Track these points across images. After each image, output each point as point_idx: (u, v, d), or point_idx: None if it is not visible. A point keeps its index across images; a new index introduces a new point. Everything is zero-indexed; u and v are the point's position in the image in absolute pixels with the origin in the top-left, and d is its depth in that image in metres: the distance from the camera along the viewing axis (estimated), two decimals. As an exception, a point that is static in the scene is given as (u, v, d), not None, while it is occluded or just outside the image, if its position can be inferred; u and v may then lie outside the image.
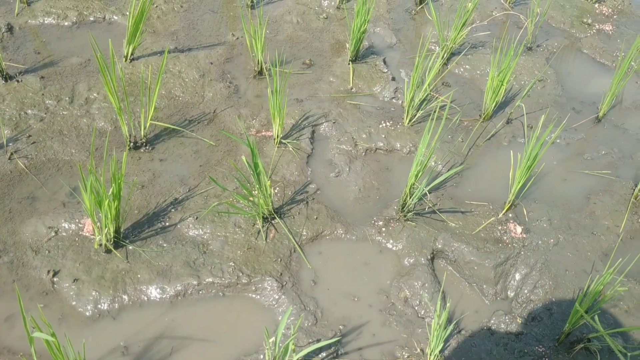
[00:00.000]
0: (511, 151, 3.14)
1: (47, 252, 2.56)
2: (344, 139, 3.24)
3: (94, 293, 2.43)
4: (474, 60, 3.94)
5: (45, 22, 3.82)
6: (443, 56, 3.83)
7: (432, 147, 2.72)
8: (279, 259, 2.64)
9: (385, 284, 2.64)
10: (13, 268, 2.51)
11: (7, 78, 3.33)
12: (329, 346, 2.36)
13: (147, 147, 3.07)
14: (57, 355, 1.79)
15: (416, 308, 2.56)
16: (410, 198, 2.76)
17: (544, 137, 2.71)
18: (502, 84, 3.27)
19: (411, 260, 2.71)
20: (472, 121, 3.49)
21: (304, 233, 2.77)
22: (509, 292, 2.70)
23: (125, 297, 2.44)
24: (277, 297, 2.51)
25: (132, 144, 3.04)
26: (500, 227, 2.89)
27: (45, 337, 1.67)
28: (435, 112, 3.01)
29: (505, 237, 2.85)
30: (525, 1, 4.68)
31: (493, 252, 2.76)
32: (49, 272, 2.50)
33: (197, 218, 2.74)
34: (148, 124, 3.02)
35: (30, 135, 3.06)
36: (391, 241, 2.79)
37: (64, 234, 2.64)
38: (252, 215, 2.72)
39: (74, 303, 2.41)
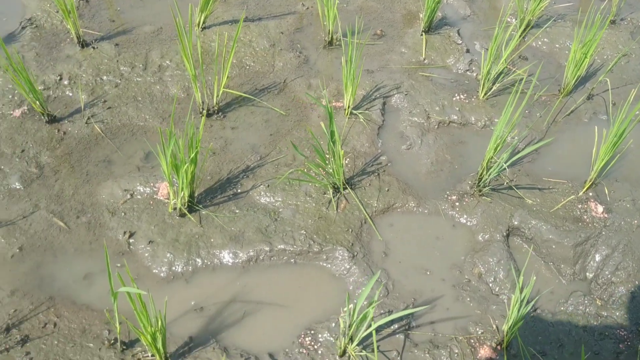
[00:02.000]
0: (595, 127, 2.99)
1: (123, 214, 2.62)
2: (416, 111, 3.17)
3: (168, 255, 2.47)
4: (553, 33, 3.76)
5: (119, -10, 3.87)
6: (521, 28, 3.67)
7: (512, 122, 2.61)
8: (350, 230, 2.61)
9: (458, 259, 2.57)
10: (91, 228, 2.57)
11: (84, 45, 3.40)
12: (400, 318, 2.32)
13: (219, 115, 3.08)
14: (141, 312, 1.82)
15: (490, 285, 2.48)
16: (487, 172, 2.67)
17: (633, 113, 2.56)
18: (585, 57, 3.11)
19: (486, 236, 2.63)
20: (550, 96, 3.34)
21: (375, 205, 2.73)
22: (587, 273, 2.58)
23: (198, 260, 2.47)
24: (348, 266, 2.48)
25: (204, 111, 3.06)
26: (580, 206, 2.76)
27: (134, 291, 1.69)
28: (516, 85, 2.89)
29: (585, 216, 2.72)
30: (607, -27, 4.43)
31: (572, 231, 2.65)
32: (125, 233, 2.55)
33: (268, 186, 2.74)
34: (221, 92, 3.03)
35: (105, 101, 3.12)
36: (465, 216, 2.71)
37: (139, 197, 2.68)
38: (324, 184, 2.70)
39: (149, 264, 2.46)
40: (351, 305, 2.01)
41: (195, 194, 2.67)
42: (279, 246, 2.51)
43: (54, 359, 2.13)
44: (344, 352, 2.16)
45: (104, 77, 3.24)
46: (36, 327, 2.22)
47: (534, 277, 2.21)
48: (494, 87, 3.25)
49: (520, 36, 3.54)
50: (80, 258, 2.47)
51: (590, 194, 2.82)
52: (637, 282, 2.51)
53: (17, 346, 2.15)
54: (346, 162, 2.89)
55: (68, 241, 2.51)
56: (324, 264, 2.51)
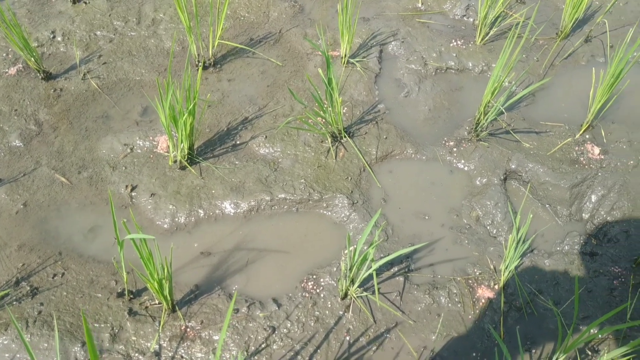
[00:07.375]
0: (593, 69, 2.99)
1: (124, 168, 2.64)
2: (413, 58, 3.15)
3: (170, 207, 2.51)
4: (551, -25, 3.71)
5: (108, -57, 3.79)
6: (517, -29, 3.61)
7: (509, 65, 2.60)
8: (349, 177, 2.64)
9: (456, 204, 2.61)
10: (92, 183, 2.60)
11: (75, 0, 3.35)
12: (400, 261, 2.38)
13: (215, 68, 3.07)
14: (148, 259, 1.86)
15: (488, 227, 2.53)
16: (484, 117, 2.69)
17: (630, 53, 2.55)
18: (583, -1, 3.08)
19: (483, 180, 2.67)
20: (548, 40, 3.32)
21: (374, 152, 2.75)
22: (583, 214, 2.63)
23: (200, 211, 2.51)
24: (348, 213, 2.52)
25: (200, 64, 3.04)
26: (577, 148, 2.79)
27: (142, 237, 1.73)
28: (513, 30, 2.87)
29: (582, 158, 2.75)
30: None
31: (569, 173, 2.68)
32: (127, 187, 2.58)
33: (267, 137, 2.76)
34: (216, 43, 3.01)
35: (101, 56, 3.10)
36: (462, 161, 2.74)
37: (139, 151, 2.70)
38: (323, 133, 2.71)
39: (152, 216, 2.50)
40: (352, 247, 2.06)
41: (195, 147, 2.69)
42: (280, 195, 2.55)
43: (64, 309, 2.19)
44: (346, 294, 2.22)
45: (98, 33, 3.21)
46: (45, 280, 2.27)
47: (531, 216, 2.26)
48: (491, 32, 3.23)
49: (517, -21, 3.49)
50: (84, 212, 2.50)
51: (587, 136, 2.84)
52: (631, 221, 2.56)
53: (27, 298, 2.21)
54: (344, 111, 2.89)
55: (71, 196, 2.54)
56: (325, 212, 2.56)
